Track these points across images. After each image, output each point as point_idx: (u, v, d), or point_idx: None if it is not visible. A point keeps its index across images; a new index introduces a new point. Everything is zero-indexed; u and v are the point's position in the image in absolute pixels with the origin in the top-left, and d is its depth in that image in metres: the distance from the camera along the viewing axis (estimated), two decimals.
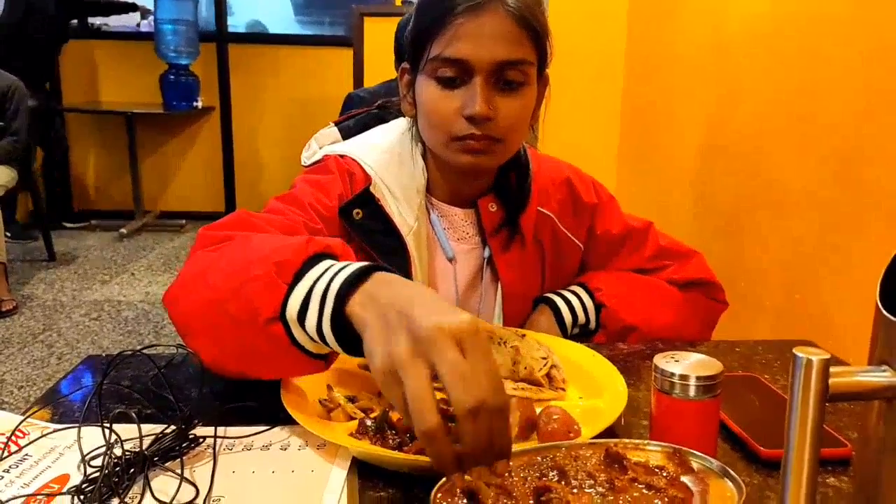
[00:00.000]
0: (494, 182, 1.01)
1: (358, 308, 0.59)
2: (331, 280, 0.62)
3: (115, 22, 5.17)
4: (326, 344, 0.63)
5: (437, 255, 1.00)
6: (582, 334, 1.01)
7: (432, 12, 0.88)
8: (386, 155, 0.98)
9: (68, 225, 4.79)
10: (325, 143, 1.06)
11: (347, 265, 0.64)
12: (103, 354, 0.92)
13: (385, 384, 0.53)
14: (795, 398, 0.41)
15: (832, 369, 0.41)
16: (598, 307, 1.00)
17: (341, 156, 0.98)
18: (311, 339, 0.64)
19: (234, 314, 0.66)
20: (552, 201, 1.04)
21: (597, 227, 1.06)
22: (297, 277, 0.64)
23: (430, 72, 0.89)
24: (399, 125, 1.03)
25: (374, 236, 0.93)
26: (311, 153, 1.05)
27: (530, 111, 0.93)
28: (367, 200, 0.94)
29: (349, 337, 0.61)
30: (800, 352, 0.41)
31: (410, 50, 0.92)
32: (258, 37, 5.31)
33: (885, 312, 0.44)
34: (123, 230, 4.65)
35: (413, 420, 0.51)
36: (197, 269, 0.74)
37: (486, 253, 1.01)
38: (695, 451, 0.57)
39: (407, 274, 0.94)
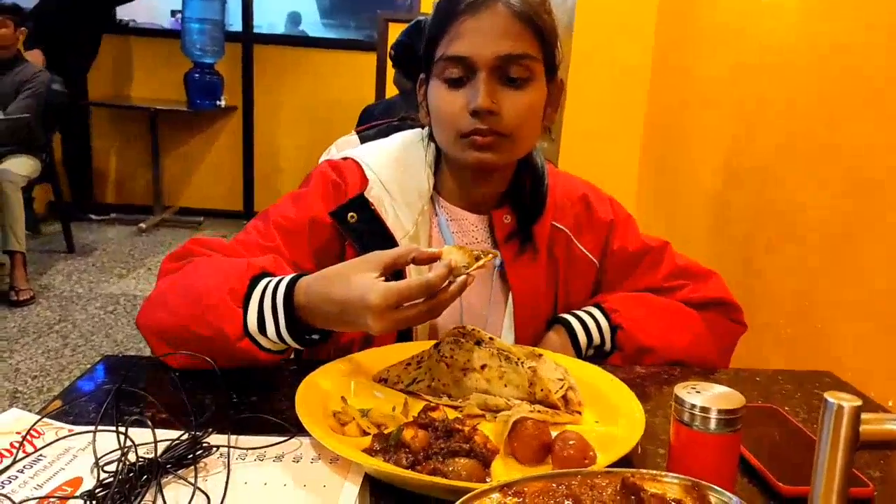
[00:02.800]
0: (510, 191, 1.01)
1: (305, 313, 0.78)
2: (273, 298, 0.79)
3: (143, 18, 5.23)
4: (286, 343, 0.81)
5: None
6: (597, 355, 1.00)
7: (438, 17, 0.91)
8: (390, 158, 1.00)
9: (94, 217, 4.83)
10: (344, 149, 1.08)
11: (280, 281, 0.80)
12: (119, 354, 0.93)
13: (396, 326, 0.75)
14: (825, 444, 0.40)
15: (863, 416, 0.40)
16: (614, 328, 0.99)
17: (344, 158, 1.00)
18: (275, 342, 0.80)
19: (202, 335, 0.80)
20: (568, 216, 1.03)
21: (612, 243, 1.05)
22: (246, 299, 0.80)
23: (438, 73, 0.92)
24: (410, 133, 1.04)
25: (366, 239, 0.94)
26: (329, 157, 1.07)
27: (538, 108, 0.94)
28: (362, 204, 0.95)
29: (306, 333, 0.80)
30: (831, 397, 0.40)
31: (423, 57, 0.96)
32: (283, 38, 5.35)
33: None
34: (142, 225, 4.69)
35: (426, 295, 0.73)
36: (159, 295, 0.87)
37: (498, 261, 1.00)
38: (713, 486, 0.56)
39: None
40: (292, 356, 0.89)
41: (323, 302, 0.77)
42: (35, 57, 4.15)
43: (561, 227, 1.03)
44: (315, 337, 0.81)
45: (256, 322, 0.79)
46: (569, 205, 1.04)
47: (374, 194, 0.96)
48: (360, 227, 0.95)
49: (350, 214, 0.95)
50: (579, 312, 1.01)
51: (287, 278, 0.80)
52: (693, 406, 0.61)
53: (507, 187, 1.01)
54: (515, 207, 1.01)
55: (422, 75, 0.98)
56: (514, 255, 1.00)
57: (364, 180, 0.97)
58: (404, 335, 0.96)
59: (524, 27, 0.88)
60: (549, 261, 1.02)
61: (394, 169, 0.98)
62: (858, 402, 0.40)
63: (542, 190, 1.02)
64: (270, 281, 0.81)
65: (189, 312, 0.81)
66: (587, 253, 1.04)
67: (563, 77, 0.99)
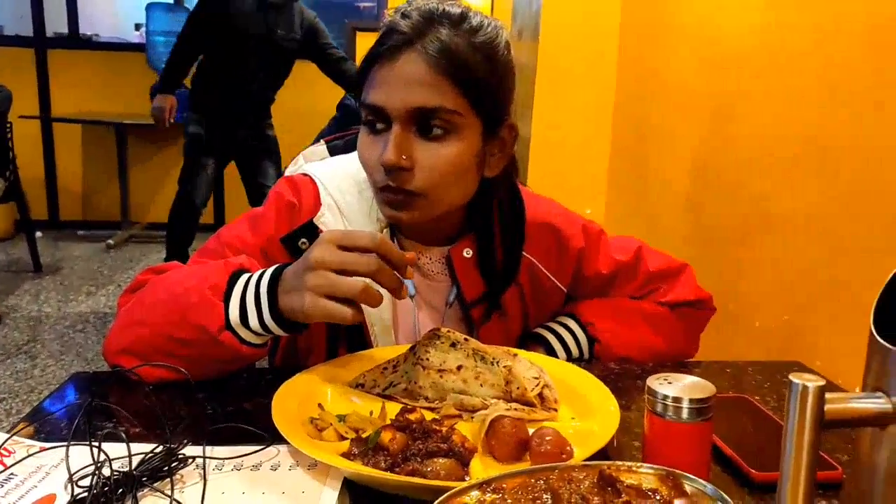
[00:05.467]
0: (471, 220, 0.96)
1: (286, 299, 0.77)
2: (256, 287, 0.79)
3: (107, 33, 5.16)
4: (269, 332, 0.80)
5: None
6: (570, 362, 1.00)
7: (365, 59, 0.87)
8: (350, 181, 0.95)
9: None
10: (312, 159, 1.05)
11: (262, 273, 0.80)
12: (90, 370, 0.91)
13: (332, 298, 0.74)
14: (791, 424, 0.41)
15: (827, 395, 0.41)
16: (592, 341, 0.99)
17: (304, 174, 0.97)
18: (256, 333, 0.80)
19: (182, 339, 0.80)
20: (534, 244, 0.99)
21: (585, 270, 1.02)
22: (227, 294, 0.80)
23: (363, 117, 0.87)
24: None
25: None
26: (296, 168, 1.04)
27: (465, 162, 0.86)
28: (314, 231, 0.92)
29: (285, 321, 0.79)
30: (796, 378, 0.41)
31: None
32: None
33: (879, 338, 0.44)
34: (110, 241, 4.61)
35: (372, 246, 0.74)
36: (127, 315, 0.86)
37: (452, 297, 0.96)
38: (688, 474, 0.57)
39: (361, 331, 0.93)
40: (268, 352, 0.89)
41: (291, 276, 0.77)
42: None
43: (527, 255, 0.99)
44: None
45: (238, 315, 0.79)
46: (535, 233, 0.99)
47: (324, 220, 0.92)
48: None
49: (301, 241, 0.91)
50: (556, 327, 1.00)
51: (272, 268, 0.80)
52: (665, 396, 0.62)
53: (465, 220, 0.96)
54: (479, 237, 0.96)
55: None
56: (482, 316, 0.97)
57: (318, 203, 0.93)
58: (360, 340, 0.94)
59: (443, 78, 0.82)
60: (515, 289, 0.99)
61: (352, 192, 0.94)
62: (822, 382, 0.41)
63: (517, 255, 0.97)
64: (252, 275, 0.81)
65: (167, 319, 0.81)
66: (554, 280, 1.01)
67: (514, 121, 0.92)
